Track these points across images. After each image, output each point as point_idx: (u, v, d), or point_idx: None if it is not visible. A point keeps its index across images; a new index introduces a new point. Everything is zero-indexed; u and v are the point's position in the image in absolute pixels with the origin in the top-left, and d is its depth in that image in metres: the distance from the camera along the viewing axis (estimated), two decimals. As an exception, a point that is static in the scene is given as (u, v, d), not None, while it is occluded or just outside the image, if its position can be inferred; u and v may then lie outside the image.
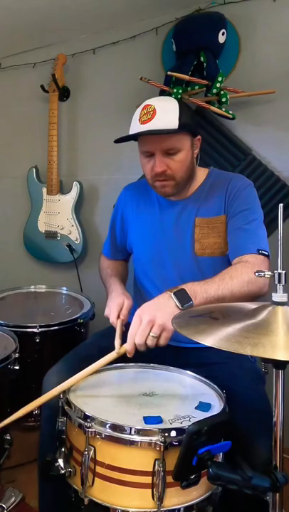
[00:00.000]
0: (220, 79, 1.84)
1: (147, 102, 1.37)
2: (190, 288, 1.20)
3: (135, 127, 1.36)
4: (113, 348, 1.22)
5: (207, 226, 1.43)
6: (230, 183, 1.44)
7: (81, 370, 1.17)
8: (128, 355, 1.18)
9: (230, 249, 1.40)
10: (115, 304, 1.39)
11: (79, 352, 1.43)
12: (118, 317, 1.36)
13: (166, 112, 1.33)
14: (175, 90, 1.90)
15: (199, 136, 1.44)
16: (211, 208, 1.44)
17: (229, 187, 1.43)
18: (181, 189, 1.44)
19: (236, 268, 1.30)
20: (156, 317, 1.14)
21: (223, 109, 1.88)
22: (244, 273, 1.26)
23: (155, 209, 1.53)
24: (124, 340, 1.22)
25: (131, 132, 1.38)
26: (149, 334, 1.14)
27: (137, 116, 1.37)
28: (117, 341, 1.25)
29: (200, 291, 1.21)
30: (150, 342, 1.14)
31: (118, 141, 1.40)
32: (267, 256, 1.33)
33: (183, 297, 1.18)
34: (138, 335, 1.14)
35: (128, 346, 1.16)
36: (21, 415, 1.18)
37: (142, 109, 1.35)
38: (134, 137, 1.39)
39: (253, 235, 1.37)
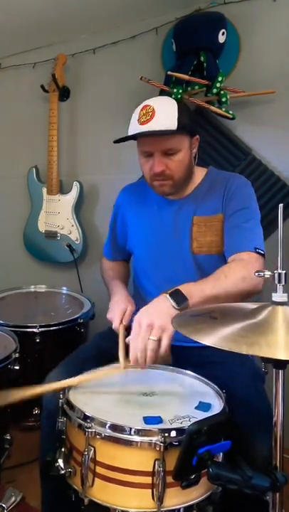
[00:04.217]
0: (220, 79, 1.84)
1: (146, 102, 1.38)
2: (185, 288, 1.20)
3: (134, 127, 1.37)
4: (113, 351, 1.24)
5: (204, 225, 1.44)
6: (229, 181, 1.45)
7: (81, 373, 1.19)
8: (140, 367, 1.16)
9: (226, 247, 1.40)
10: (119, 310, 1.40)
11: (79, 355, 1.43)
12: (120, 322, 1.37)
13: (165, 113, 1.33)
14: (175, 90, 1.90)
15: (197, 136, 1.45)
16: (208, 207, 1.45)
17: (228, 186, 1.44)
18: (179, 188, 1.45)
19: (230, 266, 1.31)
20: (154, 320, 1.13)
21: (223, 109, 1.87)
22: (238, 271, 1.27)
23: (154, 209, 1.53)
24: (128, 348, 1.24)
25: (130, 132, 1.39)
26: (149, 339, 1.12)
27: (136, 117, 1.37)
28: (121, 353, 1.25)
29: (195, 290, 1.21)
30: (151, 346, 1.12)
31: (118, 141, 1.41)
32: (262, 255, 1.34)
33: (178, 297, 1.17)
34: (138, 341, 1.13)
35: (132, 356, 1.14)
36: (19, 398, 1.16)
37: (141, 110, 1.36)
38: (134, 137, 1.40)
39: (249, 233, 1.37)
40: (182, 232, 1.46)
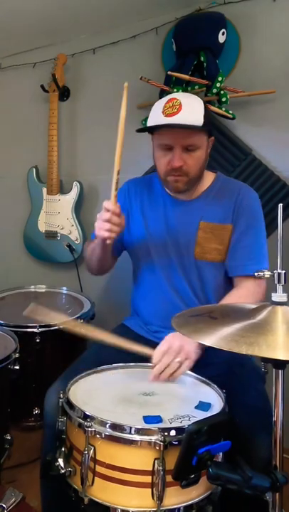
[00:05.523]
0: (220, 79, 1.84)
1: (172, 95, 1.38)
2: None
3: (158, 119, 1.35)
4: (113, 360, 1.29)
5: (211, 231, 1.43)
6: (240, 193, 1.45)
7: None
8: (153, 376, 1.24)
9: (232, 264, 1.43)
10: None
11: (78, 367, 1.33)
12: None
13: (192, 108, 1.33)
14: (175, 90, 1.90)
15: (213, 137, 1.44)
16: (217, 214, 1.44)
17: (239, 197, 1.44)
18: (191, 186, 1.44)
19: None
20: (184, 345, 1.24)
21: (223, 109, 1.88)
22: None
23: (160, 206, 1.51)
24: None
25: (153, 123, 1.37)
26: (174, 358, 1.23)
27: (159, 108, 1.36)
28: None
29: None
30: (173, 365, 1.23)
31: (140, 130, 1.41)
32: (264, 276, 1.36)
33: None
34: (167, 355, 1.23)
35: (156, 368, 1.23)
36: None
37: (167, 102, 1.34)
38: (151, 129, 1.39)
39: (258, 255, 1.42)
40: (187, 235, 1.45)
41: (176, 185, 1.41)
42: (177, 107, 1.32)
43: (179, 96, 1.36)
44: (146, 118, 2.06)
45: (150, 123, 1.39)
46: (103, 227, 1.31)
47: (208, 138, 1.41)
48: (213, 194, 1.47)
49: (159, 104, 1.37)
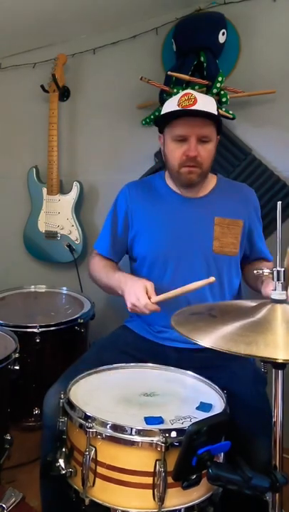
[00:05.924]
0: (220, 79, 1.84)
1: (187, 91, 1.46)
2: None
3: (174, 110, 1.41)
4: (115, 361, 1.29)
5: (226, 226, 1.48)
6: (247, 192, 1.58)
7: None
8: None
9: (254, 257, 1.58)
10: (139, 289, 1.31)
11: (79, 368, 1.32)
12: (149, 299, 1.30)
13: (206, 101, 1.42)
14: (175, 90, 1.89)
15: (219, 136, 1.49)
16: (229, 210, 1.50)
17: (248, 197, 1.57)
18: (202, 180, 1.49)
19: None
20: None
21: (224, 109, 1.87)
22: None
23: (167, 204, 1.52)
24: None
25: (170, 116, 1.42)
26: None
27: (174, 102, 1.42)
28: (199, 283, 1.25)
29: None
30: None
31: (157, 120, 1.50)
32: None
33: None
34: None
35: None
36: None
37: (182, 96, 1.41)
38: (164, 122, 1.45)
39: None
40: (202, 231, 1.47)
41: (189, 176, 1.44)
42: (193, 99, 1.39)
43: (193, 92, 1.44)
44: (146, 118, 2.07)
45: (166, 116, 1.44)
46: (137, 310, 1.31)
47: (216, 134, 1.46)
48: (220, 192, 1.53)
49: (174, 99, 1.44)
